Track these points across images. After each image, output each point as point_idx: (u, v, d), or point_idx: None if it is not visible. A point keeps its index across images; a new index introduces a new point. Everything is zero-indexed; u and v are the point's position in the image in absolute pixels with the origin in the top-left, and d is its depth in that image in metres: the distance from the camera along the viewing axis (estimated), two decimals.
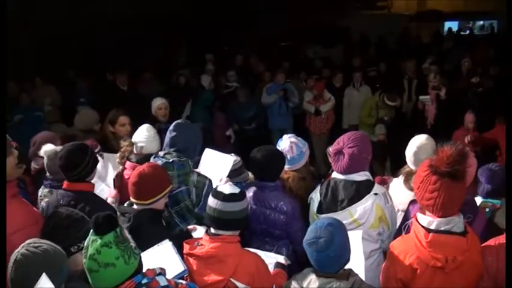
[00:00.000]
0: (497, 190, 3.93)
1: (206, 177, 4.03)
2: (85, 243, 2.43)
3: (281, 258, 3.40)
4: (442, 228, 2.72)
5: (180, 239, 3.18)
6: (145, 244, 3.00)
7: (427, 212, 2.80)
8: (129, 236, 2.51)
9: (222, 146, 7.56)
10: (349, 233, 2.97)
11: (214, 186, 3.40)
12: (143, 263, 2.59)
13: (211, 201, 3.07)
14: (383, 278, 3.01)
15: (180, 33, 14.39)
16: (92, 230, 2.41)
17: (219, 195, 3.05)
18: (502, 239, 2.82)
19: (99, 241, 2.37)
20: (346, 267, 2.77)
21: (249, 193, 3.91)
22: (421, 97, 8.40)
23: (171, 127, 4.15)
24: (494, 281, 2.74)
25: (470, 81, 8.93)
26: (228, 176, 4.30)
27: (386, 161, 8.51)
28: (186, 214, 3.94)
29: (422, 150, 4.00)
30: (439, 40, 18.49)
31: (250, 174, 4.51)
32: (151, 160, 4.04)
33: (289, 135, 4.30)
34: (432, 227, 2.74)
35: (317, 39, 17.09)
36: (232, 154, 4.50)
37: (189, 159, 4.01)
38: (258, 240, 3.92)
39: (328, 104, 9.28)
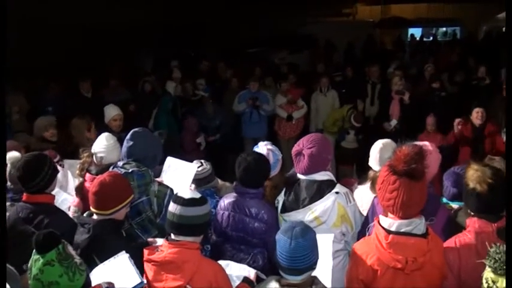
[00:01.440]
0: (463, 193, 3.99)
1: (167, 187, 3.95)
2: (29, 264, 2.38)
3: (252, 273, 3.32)
4: (403, 230, 2.74)
5: (141, 250, 3.09)
6: (105, 255, 2.95)
7: (389, 214, 2.83)
8: (73, 252, 2.46)
9: (192, 153, 7.51)
10: (321, 235, 2.98)
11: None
12: (100, 275, 2.53)
13: (171, 206, 3.02)
14: (346, 279, 3.03)
15: (146, 39, 14.26)
16: (34, 250, 2.36)
17: (179, 199, 3.00)
18: (462, 236, 2.86)
19: (41, 260, 2.33)
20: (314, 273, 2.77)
21: (229, 199, 3.88)
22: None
23: (128, 136, 4.04)
24: (457, 279, 2.77)
25: (432, 85, 9.11)
26: (197, 184, 4.26)
27: (353, 165, 8.58)
28: (148, 225, 3.85)
29: (387, 148, 4.07)
30: (402, 46, 18.87)
31: (220, 181, 4.47)
32: (110, 170, 3.94)
33: (265, 142, 4.28)
34: (393, 228, 2.76)
35: (284, 46, 17.19)
36: (203, 161, 4.46)
37: (148, 169, 3.92)
38: (232, 248, 3.87)
39: (301, 111, 9.41)
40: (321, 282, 2.75)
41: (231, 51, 14.84)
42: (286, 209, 3.74)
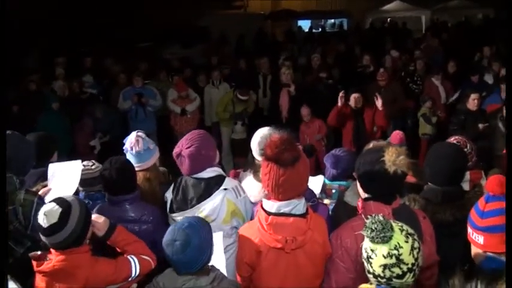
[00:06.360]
0: (342, 173, 4.20)
1: (35, 194, 3.62)
2: None
3: None
4: (282, 211, 2.84)
5: (28, 262, 2.91)
6: None
7: (272, 198, 2.91)
8: None
9: (86, 156, 7.23)
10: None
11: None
12: None
13: (40, 233, 2.84)
14: (236, 264, 3.10)
15: (31, 36, 13.62)
16: None
17: (40, 229, 2.79)
18: (357, 220, 2.87)
19: None
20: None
21: (103, 212, 3.54)
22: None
23: None
24: (355, 262, 2.80)
25: (319, 75, 9.45)
26: (90, 184, 4.08)
27: (247, 156, 8.71)
28: (18, 237, 3.49)
29: (265, 140, 4.09)
30: (292, 38, 19.40)
31: None
32: None
33: (137, 130, 4.14)
34: (273, 210, 2.85)
35: (176, 40, 17.06)
36: (93, 161, 4.30)
37: (14, 176, 3.57)
38: None
39: (194, 104, 9.29)
40: (217, 269, 2.80)
41: (121, 46, 14.51)
42: (174, 209, 3.64)
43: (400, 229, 2.31)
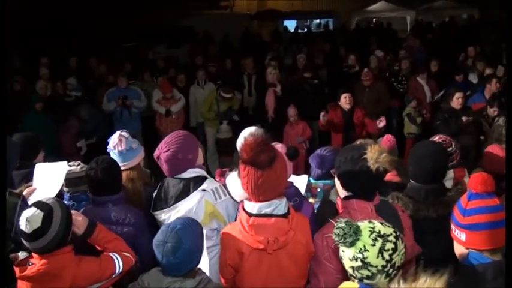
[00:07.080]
0: (328, 173, 4.22)
1: (19, 196, 3.57)
2: None
3: None
4: (263, 212, 2.82)
5: (9, 266, 2.87)
6: None
7: (252, 200, 2.89)
8: None
9: (72, 157, 7.17)
10: None
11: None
12: None
13: (23, 238, 2.80)
14: (219, 266, 3.08)
15: (16, 35, 13.52)
16: None
17: (23, 235, 2.76)
18: (329, 224, 2.87)
19: None
20: None
21: (87, 213, 3.48)
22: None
23: None
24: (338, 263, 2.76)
25: (304, 75, 9.47)
26: (75, 184, 4.04)
27: (233, 155, 8.71)
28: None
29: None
30: (278, 38, 19.45)
31: None
32: None
33: (121, 130, 4.14)
34: (254, 211, 2.83)
35: (162, 40, 17.02)
36: (79, 162, 4.26)
37: None
38: None
39: (179, 104, 9.25)
40: (204, 272, 2.78)
41: (106, 46, 14.42)
42: (156, 207, 3.64)
43: (370, 231, 2.29)
